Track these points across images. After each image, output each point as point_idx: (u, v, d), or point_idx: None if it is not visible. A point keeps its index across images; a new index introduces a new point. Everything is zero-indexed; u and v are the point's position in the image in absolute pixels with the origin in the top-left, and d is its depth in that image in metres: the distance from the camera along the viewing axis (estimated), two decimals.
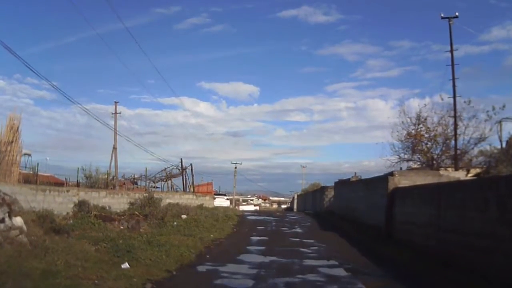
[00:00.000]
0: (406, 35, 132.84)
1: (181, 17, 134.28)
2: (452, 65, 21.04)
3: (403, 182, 15.88)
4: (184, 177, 40.15)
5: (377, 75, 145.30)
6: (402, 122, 25.18)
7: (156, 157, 57.75)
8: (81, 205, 17.57)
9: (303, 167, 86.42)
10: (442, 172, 17.43)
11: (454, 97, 21.04)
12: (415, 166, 25.14)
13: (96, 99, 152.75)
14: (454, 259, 9.87)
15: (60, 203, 19.21)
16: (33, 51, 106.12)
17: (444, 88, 31.54)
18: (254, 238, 16.12)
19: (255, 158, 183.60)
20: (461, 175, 17.08)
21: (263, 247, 13.43)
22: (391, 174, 16.43)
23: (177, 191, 37.70)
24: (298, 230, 19.90)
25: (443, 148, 24.74)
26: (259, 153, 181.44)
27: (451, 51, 21.14)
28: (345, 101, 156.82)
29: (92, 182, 26.35)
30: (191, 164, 41.82)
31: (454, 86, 21.04)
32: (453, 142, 23.85)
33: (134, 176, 40.40)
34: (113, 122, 39.53)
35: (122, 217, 16.83)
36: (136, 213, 17.41)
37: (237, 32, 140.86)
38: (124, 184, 37.48)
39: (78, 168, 26.75)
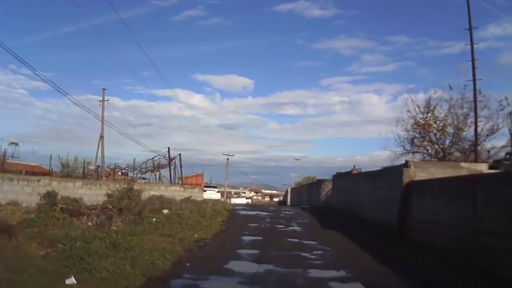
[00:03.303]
0: (402, 31, 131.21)
1: (177, 9, 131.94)
2: (471, 45, 18.81)
3: (420, 174, 13.79)
4: (172, 167, 37.76)
5: (372, 69, 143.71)
6: (408, 110, 23.33)
7: (147, 148, 55.39)
8: (49, 196, 15.25)
9: (297, 159, 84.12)
10: (462, 164, 15.30)
11: (474, 79, 18.82)
12: (421, 158, 23.31)
13: (91, 90, 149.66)
14: (496, 268, 7.94)
15: (29, 194, 16.88)
16: (28, 42, 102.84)
17: (451, 81, 29.81)
18: (246, 238, 13.83)
19: (248, 150, 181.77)
20: (483, 167, 14.96)
21: (256, 251, 11.15)
22: (406, 165, 14.24)
23: (164, 182, 35.36)
24: (296, 228, 17.65)
25: (454, 139, 22.89)
26: (253, 146, 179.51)
27: (470, 29, 18.87)
28: (339, 95, 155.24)
29: (69, 172, 23.81)
30: (179, 154, 39.44)
31: (473, 68, 18.82)
32: (464, 133, 22.11)
33: (117, 165, 38.09)
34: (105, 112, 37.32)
35: (93, 212, 14.53)
36: (110, 206, 15.09)
37: (233, 25, 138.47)
38: (110, 174, 35.14)
39: (50, 155, 24.07)
